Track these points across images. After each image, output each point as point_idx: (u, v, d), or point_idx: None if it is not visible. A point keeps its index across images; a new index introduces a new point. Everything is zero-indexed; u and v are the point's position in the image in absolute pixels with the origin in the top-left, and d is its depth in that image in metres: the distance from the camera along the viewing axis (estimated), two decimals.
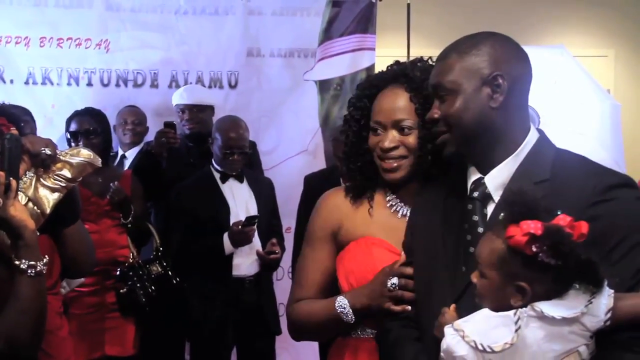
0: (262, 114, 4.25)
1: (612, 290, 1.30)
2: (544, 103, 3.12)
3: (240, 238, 3.36)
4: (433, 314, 1.49)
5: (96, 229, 3.33)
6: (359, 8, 4.28)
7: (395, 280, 1.69)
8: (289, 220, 3.88)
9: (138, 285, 3.36)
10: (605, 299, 1.28)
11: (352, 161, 1.88)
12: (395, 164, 1.76)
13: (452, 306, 1.45)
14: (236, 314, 3.45)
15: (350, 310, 1.76)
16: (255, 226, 3.39)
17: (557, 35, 5.79)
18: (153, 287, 3.39)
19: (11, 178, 1.56)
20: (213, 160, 3.56)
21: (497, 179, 1.50)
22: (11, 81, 4.07)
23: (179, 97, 4.02)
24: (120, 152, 4.03)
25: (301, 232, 3.74)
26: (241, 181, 3.56)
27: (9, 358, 1.65)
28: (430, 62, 1.82)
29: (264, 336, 3.58)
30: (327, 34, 4.32)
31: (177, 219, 3.52)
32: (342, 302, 1.77)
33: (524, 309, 1.29)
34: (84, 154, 1.75)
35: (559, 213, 1.28)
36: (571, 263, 1.25)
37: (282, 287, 3.98)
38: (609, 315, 1.28)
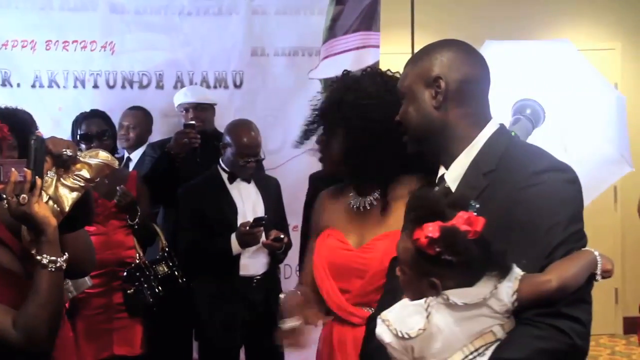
0: (268, 113, 4.25)
1: (521, 274, 1.43)
2: (548, 97, 3.12)
3: (248, 239, 3.36)
4: None
5: (104, 230, 3.36)
6: (363, 5, 4.25)
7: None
8: (295, 219, 3.89)
9: (145, 285, 3.38)
10: (511, 282, 1.42)
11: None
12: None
13: None
14: (244, 313, 3.45)
15: None
16: (262, 227, 3.39)
17: (563, 29, 5.76)
18: (160, 287, 3.42)
19: (36, 177, 1.66)
20: (221, 161, 3.56)
21: (453, 173, 1.63)
22: (18, 85, 4.11)
23: (182, 97, 4.04)
24: (126, 155, 4.04)
25: (307, 231, 3.78)
26: (249, 181, 3.56)
27: (26, 352, 1.69)
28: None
29: (272, 335, 3.57)
30: (331, 32, 4.30)
31: (185, 219, 3.52)
32: None
33: (434, 297, 1.42)
34: (102, 155, 1.83)
35: (472, 203, 1.40)
36: (471, 257, 1.38)
37: (289, 285, 3.98)
38: (514, 297, 1.41)
